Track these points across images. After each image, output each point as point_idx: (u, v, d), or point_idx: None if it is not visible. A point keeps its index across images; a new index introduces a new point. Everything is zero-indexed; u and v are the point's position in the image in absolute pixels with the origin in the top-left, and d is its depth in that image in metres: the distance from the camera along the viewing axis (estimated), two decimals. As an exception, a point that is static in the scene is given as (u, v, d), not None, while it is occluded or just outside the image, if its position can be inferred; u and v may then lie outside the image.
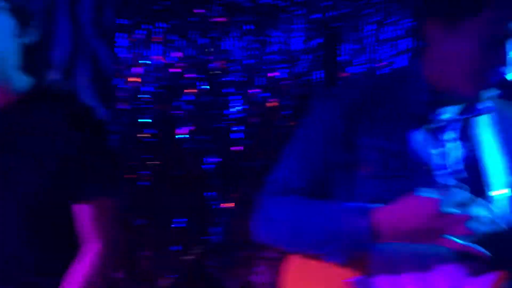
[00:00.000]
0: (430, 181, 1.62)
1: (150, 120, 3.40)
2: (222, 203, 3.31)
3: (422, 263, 1.61)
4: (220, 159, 3.33)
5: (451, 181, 1.63)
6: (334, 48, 3.20)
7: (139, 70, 3.39)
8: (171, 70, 3.36)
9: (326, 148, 1.74)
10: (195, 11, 3.29)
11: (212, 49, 3.32)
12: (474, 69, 1.60)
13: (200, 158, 3.34)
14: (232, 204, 3.32)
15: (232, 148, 3.34)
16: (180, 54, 3.36)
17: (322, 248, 1.68)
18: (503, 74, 1.53)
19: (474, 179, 1.67)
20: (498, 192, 1.63)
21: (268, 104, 3.30)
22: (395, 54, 3.10)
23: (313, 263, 1.72)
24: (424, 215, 1.54)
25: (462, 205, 1.54)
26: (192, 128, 3.34)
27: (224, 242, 3.28)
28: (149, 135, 3.41)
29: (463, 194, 1.53)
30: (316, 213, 1.70)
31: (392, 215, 1.60)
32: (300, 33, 3.25)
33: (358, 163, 1.70)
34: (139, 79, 3.39)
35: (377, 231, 1.60)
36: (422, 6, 1.65)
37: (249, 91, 3.32)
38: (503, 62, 1.56)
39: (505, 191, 1.63)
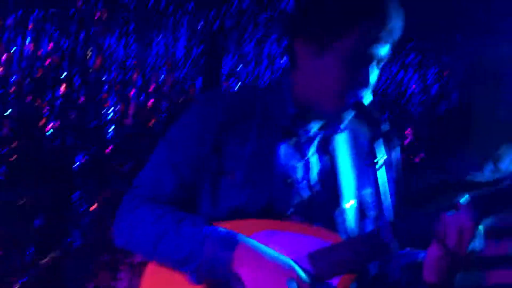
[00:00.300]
0: (290, 193, 1.73)
1: (12, 112, 3.16)
2: (86, 204, 3.15)
3: None
4: (88, 158, 3.18)
5: (307, 193, 1.76)
6: (215, 58, 3.27)
7: (7, 58, 3.15)
8: (42, 62, 3.17)
9: (194, 154, 1.76)
10: (76, 3, 3.18)
11: (90, 45, 3.22)
12: (336, 89, 1.69)
13: (66, 156, 3.16)
14: (96, 206, 3.16)
15: (102, 148, 3.21)
16: (53, 46, 3.20)
17: (181, 265, 1.68)
18: (360, 97, 1.68)
19: (330, 191, 1.77)
20: (349, 204, 1.78)
21: (143, 106, 3.26)
22: (275, 69, 3.26)
23: (170, 271, 1.73)
24: (280, 281, 1.58)
25: (309, 217, 1.65)
26: (59, 124, 3.16)
27: (85, 245, 3.10)
28: (9, 128, 3.15)
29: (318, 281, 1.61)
30: (181, 232, 1.70)
31: (253, 264, 1.64)
32: (182, 39, 3.29)
33: (225, 171, 1.74)
34: (4, 68, 3.15)
35: (236, 268, 1.63)
36: (291, 27, 1.79)
37: (125, 91, 3.25)
38: (364, 84, 1.72)
39: (352, 202, 1.76)
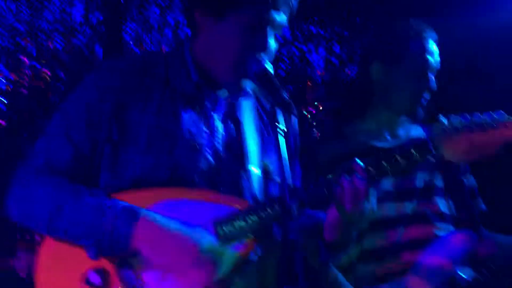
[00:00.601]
0: (196, 159, 1.74)
1: None
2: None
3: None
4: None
5: (214, 158, 1.77)
6: (116, 25, 3.13)
7: None
8: None
9: (90, 123, 1.71)
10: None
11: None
12: (235, 56, 1.72)
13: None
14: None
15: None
16: None
17: (78, 239, 1.63)
18: (262, 66, 1.71)
19: (236, 157, 1.79)
20: (253, 169, 1.81)
21: (37, 75, 3.06)
22: (178, 38, 3.18)
23: (66, 247, 1.66)
24: (182, 254, 1.60)
25: (214, 184, 1.67)
26: None
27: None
28: None
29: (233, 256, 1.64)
30: (80, 204, 1.64)
31: (155, 234, 1.62)
32: (80, 5, 3.10)
33: (126, 140, 1.70)
34: None
35: (135, 243, 1.60)
36: None
37: (18, 59, 3.03)
38: (261, 48, 1.75)
39: (257, 170, 1.80)
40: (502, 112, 1.62)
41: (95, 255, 1.60)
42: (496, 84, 3.02)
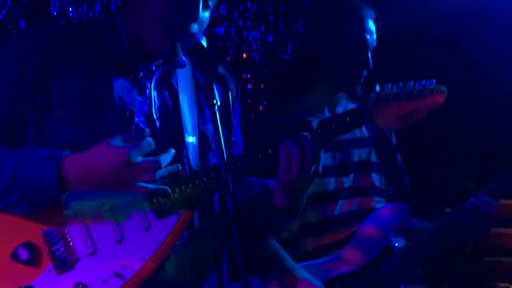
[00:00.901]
0: (128, 127, 1.70)
1: None
2: None
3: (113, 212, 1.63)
4: None
5: (148, 127, 1.75)
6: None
7: None
8: None
9: (12, 91, 1.65)
10: None
11: None
12: (165, 23, 1.70)
13: None
14: None
15: None
16: None
17: (3, 197, 1.57)
18: (196, 37, 1.68)
19: (172, 126, 1.77)
20: (190, 138, 1.79)
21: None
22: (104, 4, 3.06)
23: None
24: (114, 164, 1.55)
25: (150, 154, 1.61)
26: None
27: None
28: None
29: (151, 144, 1.60)
30: None
31: (82, 163, 1.57)
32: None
33: (53, 106, 1.65)
34: None
35: (65, 178, 1.55)
36: None
37: None
38: (192, 16, 1.70)
39: (193, 139, 1.79)
40: (433, 80, 1.69)
41: (25, 210, 1.53)
42: (432, 54, 3.10)
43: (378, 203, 2.51)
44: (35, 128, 1.66)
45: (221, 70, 1.60)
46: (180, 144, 1.77)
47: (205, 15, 1.76)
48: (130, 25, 1.79)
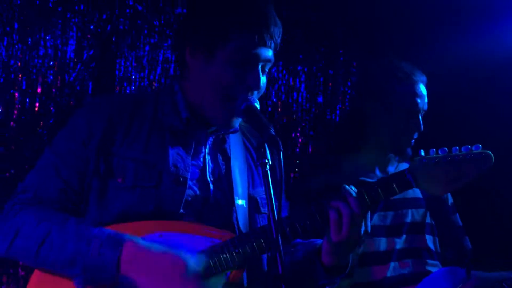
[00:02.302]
0: (181, 193, 1.80)
1: None
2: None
3: None
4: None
5: (200, 190, 1.84)
6: (107, 62, 3.19)
7: None
8: None
9: (78, 159, 1.77)
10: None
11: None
12: (227, 94, 1.80)
13: None
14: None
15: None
16: None
17: (66, 268, 1.66)
18: (251, 101, 1.80)
19: (223, 190, 1.86)
20: (240, 201, 1.86)
21: (29, 109, 3.07)
22: (169, 74, 3.24)
23: (52, 281, 1.70)
24: (170, 273, 1.63)
25: (204, 214, 1.73)
26: None
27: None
28: None
29: (202, 264, 1.67)
30: (66, 233, 1.69)
31: (142, 256, 1.65)
32: (72, 41, 3.16)
33: (114, 174, 1.76)
34: None
35: (122, 265, 1.64)
36: (179, 38, 1.89)
37: (8, 93, 3.05)
38: (254, 87, 1.84)
39: (243, 203, 1.87)
40: (479, 145, 1.72)
41: (82, 284, 1.62)
42: (479, 118, 3.13)
43: (433, 266, 2.44)
44: (98, 194, 1.77)
45: (272, 131, 1.69)
46: (231, 206, 1.85)
47: (263, 80, 1.87)
48: (189, 95, 1.90)
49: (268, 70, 1.89)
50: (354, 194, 1.73)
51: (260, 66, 1.81)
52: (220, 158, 1.92)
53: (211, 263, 1.71)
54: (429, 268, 2.38)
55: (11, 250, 1.72)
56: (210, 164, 1.90)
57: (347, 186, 1.76)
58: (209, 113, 1.85)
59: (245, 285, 1.78)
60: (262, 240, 1.73)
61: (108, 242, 1.65)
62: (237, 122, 1.85)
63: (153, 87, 3.20)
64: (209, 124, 1.91)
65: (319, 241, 1.85)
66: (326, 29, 3.65)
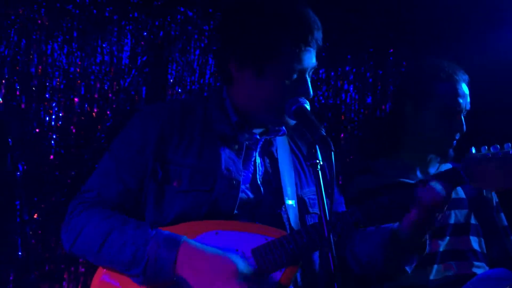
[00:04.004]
0: (234, 196, 1.85)
1: None
2: (28, 214, 3.08)
3: None
4: (29, 167, 3.11)
5: (252, 193, 1.89)
6: (160, 67, 3.31)
7: None
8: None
9: (136, 164, 1.86)
10: (17, 9, 3.11)
11: (31, 51, 3.16)
12: (278, 102, 1.85)
13: (7, 164, 3.08)
14: (37, 216, 3.11)
15: (45, 157, 3.16)
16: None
17: (124, 269, 1.76)
18: (302, 102, 1.83)
19: (274, 191, 1.91)
20: (290, 201, 1.90)
21: (87, 114, 3.23)
22: (219, 78, 3.33)
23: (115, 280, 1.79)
24: (221, 275, 1.70)
25: (257, 214, 1.78)
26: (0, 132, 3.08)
27: (27, 256, 3.04)
28: None
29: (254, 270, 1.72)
30: (125, 234, 1.79)
31: (196, 261, 1.73)
32: (126, 48, 3.30)
33: (170, 178, 1.83)
34: None
35: (178, 269, 1.72)
36: (224, 53, 1.93)
37: (68, 98, 3.21)
38: (305, 94, 1.87)
39: (292, 201, 1.92)
40: None
41: (142, 282, 1.72)
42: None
43: (478, 268, 2.40)
44: (155, 198, 1.87)
45: (323, 131, 1.73)
46: (281, 206, 1.90)
47: (309, 83, 1.91)
48: (237, 100, 1.96)
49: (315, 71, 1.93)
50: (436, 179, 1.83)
51: (307, 74, 1.86)
52: (267, 161, 1.98)
53: (265, 261, 1.73)
54: (474, 270, 2.34)
55: (74, 247, 1.84)
56: (261, 168, 1.97)
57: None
58: (260, 118, 1.91)
59: (299, 283, 1.83)
60: (313, 237, 1.78)
61: (165, 244, 1.73)
62: (287, 122, 1.91)
63: (204, 91, 3.29)
64: (257, 127, 1.97)
65: (391, 226, 1.89)
66: (375, 28, 3.63)
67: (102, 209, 1.84)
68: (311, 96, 1.84)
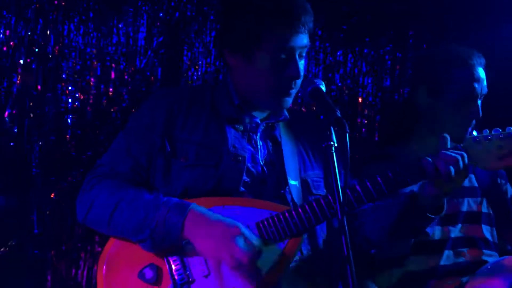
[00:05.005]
0: (240, 170, 1.88)
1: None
2: (45, 192, 3.13)
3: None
4: (46, 147, 3.15)
5: (256, 171, 1.92)
6: (175, 48, 3.30)
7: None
8: (-1, 48, 3.11)
9: (146, 141, 1.94)
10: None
11: (48, 32, 3.17)
12: (270, 86, 1.90)
13: (24, 144, 3.12)
14: (54, 195, 3.15)
15: (61, 136, 3.19)
16: (10, 33, 3.13)
17: (134, 233, 1.82)
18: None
19: (277, 172, 1.96)
20: (293, 182, 1.93)
21: (103, 95, 3.25)
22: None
23: (127, 248, 1.83)
24: (228, 246, 1.74)
25: (263, 191, 1.83)
26: (15, 111, 3.11)
27: (44, 233, 3.09)
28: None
29: (261, 252, 1.75)
30: (138, 200, 1.84)
31: (202, 225, 1.78)
32: (142, 29, 3.29)
33: (177, 155, 1.91)
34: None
35: (185, 232, 1.78)
36: (220, 38, 1.97)
37: (84, 79, 3.23)
38: (296, 75, 1.89)
39: (295, 182, 1.94)
40: None
41: (150, 247, 1.78)
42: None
43: (489, 256, 2.38)
44: (163, 172, 1.93)
45: (338, 113, 1.73)
46: (285, 186, 1.93)
47: (301, 67, 1.93)
48: (239, 86, 2.02)
49: (308, 53, 1.95)
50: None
51: (297, 55, 1.88)
52: (270, 144, 2.03)
53: (268, 233, 1.82)
54: (485, 258, 2.32)
55: (87, 219, 1.92)
56: (263, 150, 2.02)
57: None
58: (258, 102, 1.96)
59: (304, 254, 1.86)
60: (318, 210, 1.80)
61: (174, 208, 1.81)
62: (287, 104, 1.94)
63: (219, 73, 3.28)
64: (259, 109, 2.03)
65: (405, 192, 1.91)
66: (395, 11, 3.57)
67: (114, 181, 1.92)
68: (301, 77, 1.86)
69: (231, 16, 1.90)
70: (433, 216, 1.92)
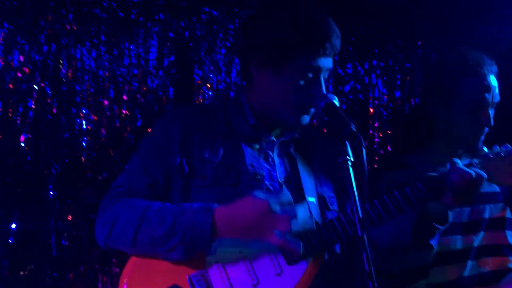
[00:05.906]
0: (259, 188, 1.89)
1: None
2: (62, 215, 3.15)
3: (248, 259, 1.83)
4: (62, 170, 3.18)
5: (277, 188, 1.92)
6: (186, 67, 3.33)
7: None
8: (13, 73, 3.16)
9: (162, 161, 1.93)
10: (46, 15, 3.18)
11: (60, 56, 3.22)
12: (293, 102, 1.90)
13: (39, 168, 3.15)
14: (71, 217, 3.17)
15: (76, 159, 3.22)
16: (24, 59, 3.18)
17: (163, 243, 1.79)
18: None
19: (294, 189, 1.95)
20: (310, 198, 1.95)
21: (116, 116, 3.28)
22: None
23: (148, 271, 1.83)
24: (256, 212, 1.75)
25: (286, 205, 1.77)
26: (32, 136, 3.15)
27: (62, 256, 3.11)
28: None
29: (286, 197, 1.77)
30: (159, 210, 1.85)
31: (230, 212, 1.79)
32: (153, 50, 3.33)
33: (195, 174, 1.90)
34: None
35: (217, 226, 1.77)
36: (244, 53, 1.97)
37: (97, 101, 3.27)
38: (318, 95, 1.89)
39: (312, 199, 1.95)
40: None
41: (181, 254, 1.77)
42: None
43: None
44: (181, 192, 1.93)
45: (353, 127, 1.73)
46: (303, 203, 1.93)
47: (324, 88, 1.94)
48: (255, 103, 2.03)
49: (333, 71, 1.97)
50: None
51: (321, 76, 1.90)
52: (286, 161, 2.03)
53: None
54: (511, 265, 2.28)
55: (109, 239, 1.90)
56: (280, 167, 2.01)
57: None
58: (279, 116, 1.96)
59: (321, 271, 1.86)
60: (337, 229, 1.81)
61: (199, 211, 1.80)
62: (305, 121, 1.95)
63: (230, 90, 3.31)
64: (275, 128, 2.04)
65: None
66: (403, 21, 3.59)
67: (134, 198, 1.91)
68: (322, 97, 1.88)
69: (266, 30, 1.88)
70: (439, 227, 1.92)
